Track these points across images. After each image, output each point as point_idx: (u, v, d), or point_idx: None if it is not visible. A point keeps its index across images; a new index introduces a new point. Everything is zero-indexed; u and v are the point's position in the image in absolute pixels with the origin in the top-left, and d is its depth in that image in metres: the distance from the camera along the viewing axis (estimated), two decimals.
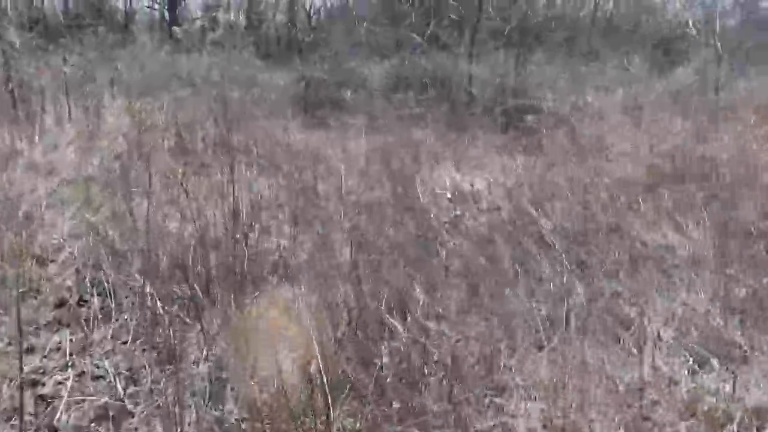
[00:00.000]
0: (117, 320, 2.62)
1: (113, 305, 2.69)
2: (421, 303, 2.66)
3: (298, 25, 11.29)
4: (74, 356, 2.41)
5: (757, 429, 1.95)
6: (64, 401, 2.08)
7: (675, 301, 2.84)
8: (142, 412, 2.07)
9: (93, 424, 2.02)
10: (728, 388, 2.14)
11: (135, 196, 4.01)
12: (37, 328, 2.62)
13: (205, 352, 2.39)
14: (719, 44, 9.94)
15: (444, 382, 2.09)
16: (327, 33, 10.34)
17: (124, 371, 2.31)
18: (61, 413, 2.04)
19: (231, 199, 3.88)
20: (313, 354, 1.91)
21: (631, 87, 9.31)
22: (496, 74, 9.44)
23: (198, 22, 12.66)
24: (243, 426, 1.96)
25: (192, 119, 7.39)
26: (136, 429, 2.02)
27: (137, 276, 2.88)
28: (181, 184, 4.07)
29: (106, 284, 2.82)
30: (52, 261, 3.32)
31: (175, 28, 12.47)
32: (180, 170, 4.55)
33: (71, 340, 2.50)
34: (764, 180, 4.67)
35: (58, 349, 2.46)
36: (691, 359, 2.35)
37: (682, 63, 11.19)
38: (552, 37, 12.44)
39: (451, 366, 2.16)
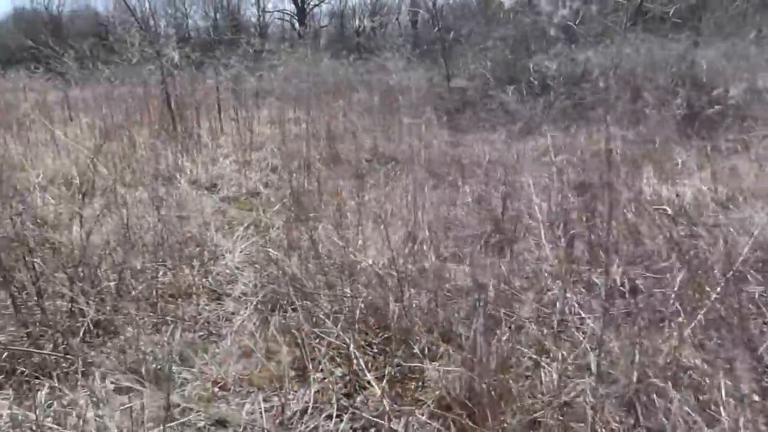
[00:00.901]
0: (318, 383, 2.12)
1: (308, 362, 2.20)
2: None
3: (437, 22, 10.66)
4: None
5: None
6: None
7: None
8: None
9: None
10: None
11: (303, 216, 3.61)
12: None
13: None
14: None
15: None
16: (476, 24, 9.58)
17: None
18: None
19: (413, 220, 3.34)
20: None
21: None
22: (668, 60, 8.19)
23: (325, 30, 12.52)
24: None
25: (339, 127, 7.07)
26: None
27: (328, 322, 2.38)
28: (357, 202, 3.60)
29: (296, 333, 2.35)
30: (227, 295, 2.97)
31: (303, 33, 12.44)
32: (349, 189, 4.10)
33: (265, 409, 2.04)
34: None
35: None
36: None
37: None
38: (722, 14, 10.75)
39: None
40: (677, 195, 4.43)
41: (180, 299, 2.86)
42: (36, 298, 2.38)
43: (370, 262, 2.58)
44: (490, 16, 10.52)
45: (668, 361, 1.92)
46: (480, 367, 1.89)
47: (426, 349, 2.31)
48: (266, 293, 2.78)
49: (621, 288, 2.45)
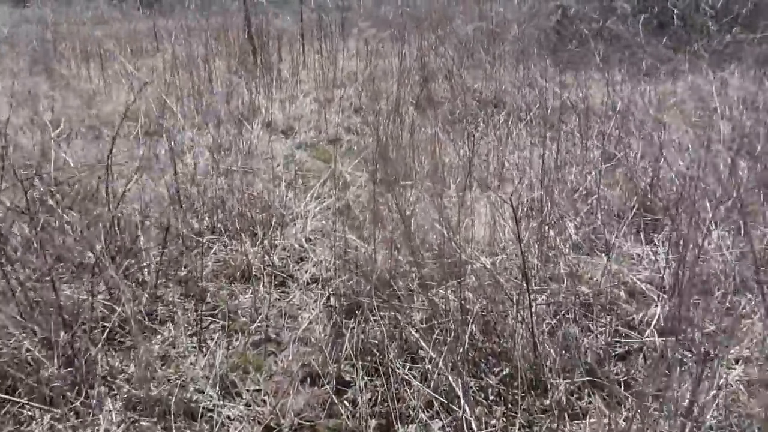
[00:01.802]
0: None
1: (396, 416, 1.54)
2: None
3: None
4: None
5: None
6: None
7: None
8: None
9: None
10: None
11: (392, 173, 2.88)
12: None
13: None
14: None
15: None
16: None
17: None
18: None
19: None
20: None
21: None
22: None
23: None
24: None
25: (434, 63, 6.16)
26: None
27: (425, 346, 1.69)
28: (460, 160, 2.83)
29: (378, 357, 1.68)
30: (292, 279, 2.35)
31: None
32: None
33: None
34: None
35: None
36: None
37: None
38: None
39: None
40: None
41: (235, 283, 2.27)
42: (49, 279, 1.82)
43: (488, 263, 1.83)
44: None
45: None
46: None
47: (563, 399, 1.58)
48: (341, 284, 2.12)
49: None
